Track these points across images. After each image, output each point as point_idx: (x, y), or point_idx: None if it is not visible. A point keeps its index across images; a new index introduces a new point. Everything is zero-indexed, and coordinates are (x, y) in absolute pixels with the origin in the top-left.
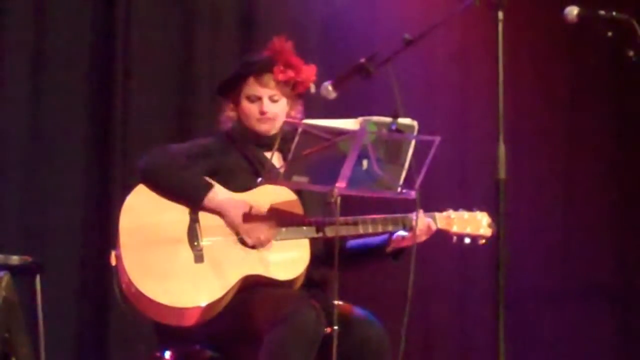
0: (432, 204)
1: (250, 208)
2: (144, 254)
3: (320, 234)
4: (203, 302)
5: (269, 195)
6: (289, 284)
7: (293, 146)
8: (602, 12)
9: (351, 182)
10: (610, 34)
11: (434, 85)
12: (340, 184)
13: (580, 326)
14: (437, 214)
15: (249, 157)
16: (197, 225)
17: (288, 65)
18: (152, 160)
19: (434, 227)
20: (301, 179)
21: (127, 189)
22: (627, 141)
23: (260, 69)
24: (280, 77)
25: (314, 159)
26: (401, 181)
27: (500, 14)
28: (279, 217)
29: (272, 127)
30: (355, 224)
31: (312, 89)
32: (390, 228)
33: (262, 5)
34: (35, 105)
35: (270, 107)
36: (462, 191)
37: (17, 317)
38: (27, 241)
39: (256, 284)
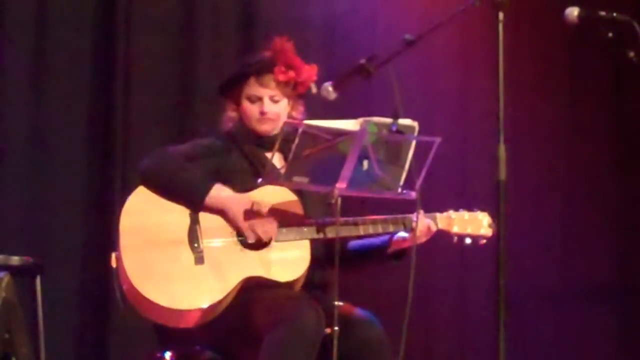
0: (432, 205)
1: (252, 204)
2: (145, 256)
3: (321, 235)
4: (203, 304)
5: (270, 195)
6: (289, 285)
7: (293, 147)
8: (602, 13)
9: (352, 183)
10: (610, 35)
11: (434, 86)
12: (341, 185)
13: (580, 326)
14: (437, 215)
15: (249, 157)
16: (197, 226)
17: (289, 66)
18: (152, 163)
19: (434, 228)
20: (302, 180)
21: (128, 190)
22: (628, 142)
23: (261, 69)
24: (281, 77)
25: (315, 159)
26: (402, 182)
27: (501, 15)
28: (279, 218)
29: (272, 128)
30: (356, 224)
31: (313, 89)
32: (390, 229)
33: (263, 5)
34: (36, 106)
35: (270, 107)
36: (462, 192)
37: (17, 318)
38: (28, 242)
39: (257, 286)
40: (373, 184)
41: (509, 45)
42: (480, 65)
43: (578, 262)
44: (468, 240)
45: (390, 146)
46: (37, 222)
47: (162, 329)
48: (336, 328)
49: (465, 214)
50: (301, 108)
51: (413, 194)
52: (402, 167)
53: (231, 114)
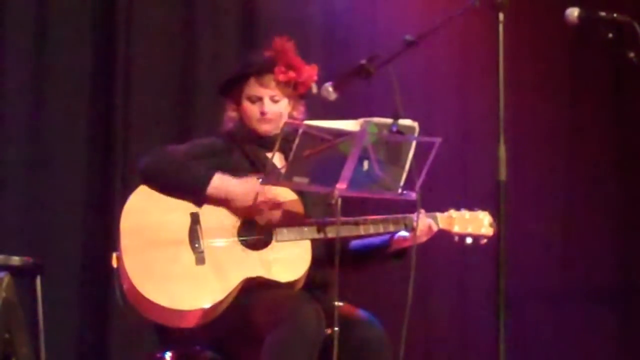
0: (432, 205)
1: (257, 195)
2: (145, 256)
3: (321, 235)
4: (204, 305)
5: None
6: (290, 285)
7: (294, 147)
8: (603, 14)
9: (352, 184)
10: (610, 35)
11: (434, 87)
12: (341, 185)
13: (580, 326)
14: (438, 214)
15: (250, 157)
16: (198, 226)
17: (289, 66)
18: (152, 160)
19: (435, 228)
20: (302, 180)
21: (128, 190)
22: (628, 142)
23: (261, 70)
24: (281, 77)
25: (315, 159)
26: (402, 182)
27: (501, 15)
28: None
29: (273, 128)
30: (356, 224)
31: (314, 89)
32: (391, 228)
33: (263, 5)
34: (36, 106)
35: (271, 107)
36: (462, 192)
37: (17, 318)
38: (28, 242)
39: (257, 286)
40: (373, 185)
41: (509, 45)
42: (480, 65)
43: (578, 263)
44: (469, 240)
45: (390, 147)
46: (37, 222)
47: (163, 329)
48: (336, 328)
49: (466, 214)
50: (302, 108)
51: (413, 195)
52: (403, 167)
53: (231, 114)
